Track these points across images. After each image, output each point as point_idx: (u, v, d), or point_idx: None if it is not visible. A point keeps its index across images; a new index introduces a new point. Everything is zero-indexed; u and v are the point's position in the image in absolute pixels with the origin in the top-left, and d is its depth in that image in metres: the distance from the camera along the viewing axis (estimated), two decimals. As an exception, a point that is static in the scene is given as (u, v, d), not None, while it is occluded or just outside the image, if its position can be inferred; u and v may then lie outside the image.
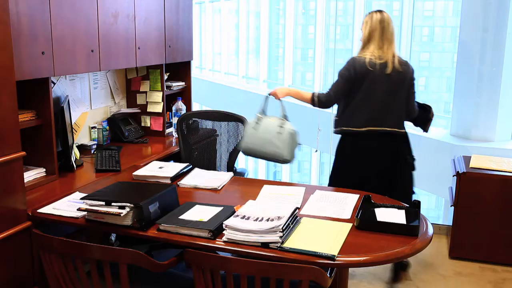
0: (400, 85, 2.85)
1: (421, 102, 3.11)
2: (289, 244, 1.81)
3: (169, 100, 3.88)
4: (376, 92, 2.83)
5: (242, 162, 10.99)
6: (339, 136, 2.96)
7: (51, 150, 2.63)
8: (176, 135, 3.65)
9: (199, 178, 2.67)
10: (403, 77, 2.85)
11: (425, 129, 3.16)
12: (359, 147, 2.88)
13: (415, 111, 2.98)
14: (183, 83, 4.08)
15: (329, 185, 3.02)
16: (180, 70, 4.07)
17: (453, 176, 3.51)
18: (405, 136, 2.94)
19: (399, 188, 2.96)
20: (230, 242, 1.85)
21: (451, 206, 3.46)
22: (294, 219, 1.96)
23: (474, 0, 4.36)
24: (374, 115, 2.84)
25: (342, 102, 2.93)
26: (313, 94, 2.94)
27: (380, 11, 2.89)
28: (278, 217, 1.88)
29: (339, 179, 2.95)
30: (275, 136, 2.77)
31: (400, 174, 2.96)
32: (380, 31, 2.84)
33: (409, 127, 3.02)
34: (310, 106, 3.01)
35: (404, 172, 2.98)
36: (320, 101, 2.91)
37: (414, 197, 2.96)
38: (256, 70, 10.47)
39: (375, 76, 2.80)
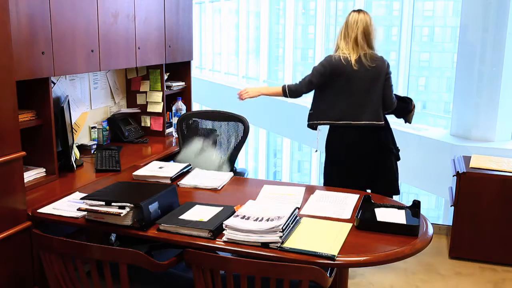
0: (375, 80, 2.94)
1: (402, 95, 3.26)
2: (289, 244, 1.81)
3: (169, 100, 3.88)
4: (351, 88, 2.92)
5: (242, 162, 10.99)
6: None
7: (51, 150, 2.63)
8: (176, 135, 3.65)
9: (199, 178, 2.67)
10: (378, 72, 2.94)
11: (408, 120, 3.28)
12: (345, 139, 2.98)
13: (393, 103, 3.08)
14: (183, 83, 4.08)
15: (324, 180, 3.10)
16: (180, 70, 4.07)
17: (453, 176, 3.51)
18: (386, 128, 3.04)
19: (386, 178, 3.07)
20: (230, 242, 1.86)
21: (451, 206, 3.46)
22: (294, 219, 1.96)
23: (474, 0, 4.36)
24: (349, 109, 2.94)
25: (317, 96, 3.03)
26: (283, 86, 3.06)
27: (359, 11, 2.98)
28: (278, 217, 1.88)
29: (331, 173, 3.06)
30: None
31: (386, 164, 3.06)
32: (353, 30, 2.92)
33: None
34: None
35: (390, 162, 3.08)
36: (291, 90, 3.04)
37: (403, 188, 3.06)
38: (256, 70, 10.47)
39: (350, 72, 2.90)
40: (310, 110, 3.05)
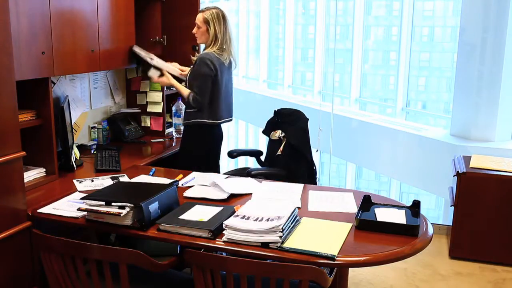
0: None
1: None
2: (289, 244, 1.81)
3: (169, 100, 3.88)
4: (229, 86, 3.18)
5: (242, 162, 10.98)
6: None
7: (51, 150, 2.63)
8: (176, 136, 3.66)
9: (205, 189, 2.47)
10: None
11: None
12: (216, 135, 3.20)
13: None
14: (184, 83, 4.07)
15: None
16: (180, 70, 4.06)
17: (453, 176, 3.51)
18: None
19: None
20: (230, 242, 1.86)
21: (451, 206, 3.46)
22: (294, 219, 1.96)
23: (474, 0, 4.36)
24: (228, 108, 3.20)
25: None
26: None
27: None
28: (278, 217, 1.88)
29: (192, 163, 3.05)
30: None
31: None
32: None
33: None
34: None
35: None
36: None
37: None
38: (256, 70, 10.46)
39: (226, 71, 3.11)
40: (191, 109, 3.10)
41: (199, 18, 3.05)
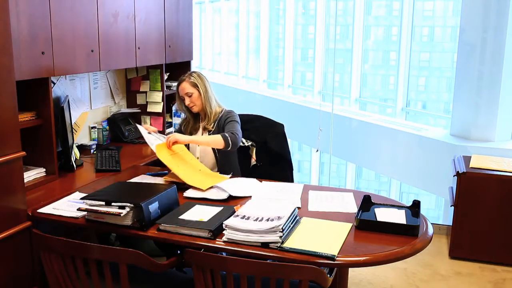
0: None
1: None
2: (289, 244, 1.81)
3: (169, 100, 3.88)
4: None
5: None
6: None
7: (51, 150, 2.63)
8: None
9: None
10: None
11: None
12: None
13: None
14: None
15: None
16: (180, 70, 4.06)
17: (453, 176, 3.51)
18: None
19: None
20: (230, 242, 1.86)
21: (451, 206, 3.46)
22: (294, 219, 1.96)
23: (474, 0, 4.36)
24: None
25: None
26: (223, 135, 2.72)
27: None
28: (278, 217, 1.88)
29: None
30: None
31: None
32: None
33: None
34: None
35: None
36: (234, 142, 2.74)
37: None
38: (256, 70, 10.47)
39: None
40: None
41: (186, 86, 2.83)
